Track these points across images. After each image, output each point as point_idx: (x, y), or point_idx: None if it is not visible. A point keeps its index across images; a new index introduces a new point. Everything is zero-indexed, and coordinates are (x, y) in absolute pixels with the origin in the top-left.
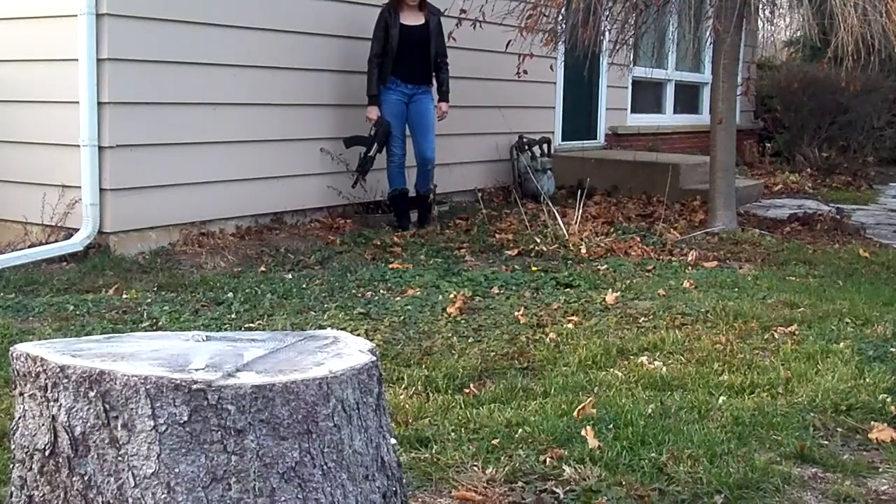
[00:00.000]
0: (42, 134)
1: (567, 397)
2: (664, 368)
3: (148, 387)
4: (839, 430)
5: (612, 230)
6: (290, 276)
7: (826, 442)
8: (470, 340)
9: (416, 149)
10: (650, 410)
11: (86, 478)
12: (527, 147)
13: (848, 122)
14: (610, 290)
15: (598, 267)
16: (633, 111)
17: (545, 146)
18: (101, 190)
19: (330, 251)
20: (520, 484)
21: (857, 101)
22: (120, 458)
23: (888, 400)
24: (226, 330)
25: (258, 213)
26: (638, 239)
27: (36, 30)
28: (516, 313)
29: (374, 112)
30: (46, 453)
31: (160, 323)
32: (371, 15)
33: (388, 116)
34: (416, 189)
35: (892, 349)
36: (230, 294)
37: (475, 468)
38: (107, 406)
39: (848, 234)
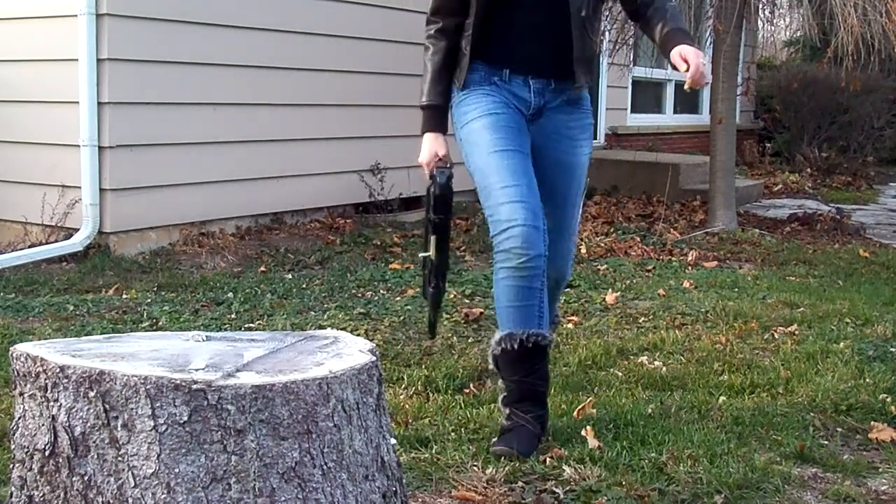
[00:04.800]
0: (42, 134)
1: (567, 397)
2: (664, 368)
3: (148, 387)
4: (839, 430)
5: (611, 230)
6: (290, 276)
7: (826, 442)
8: (470, 340)
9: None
10: (650, 410)
11: (86, 478)
12: None
13: (848, 122)
14: (610, 289)
15: (598, 267)
16: (632, 111)
17: None
18: (101, 190)
19: (330, 251)
20: (520, 484)
21: (857, 101)
22: (120, 458)
23: (888, 400)
24: (226, 330)
25: (258, 213)
26: (638, 239)
27: (36, 30)
28: None
29: (434, 147)
30: (46, 453)
31: (160, 323)
32: (374, 15)
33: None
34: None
35: (892, 349)
36: (230, 294)
37: (475, 468)
38: (107, 406)
39: (848, 234)
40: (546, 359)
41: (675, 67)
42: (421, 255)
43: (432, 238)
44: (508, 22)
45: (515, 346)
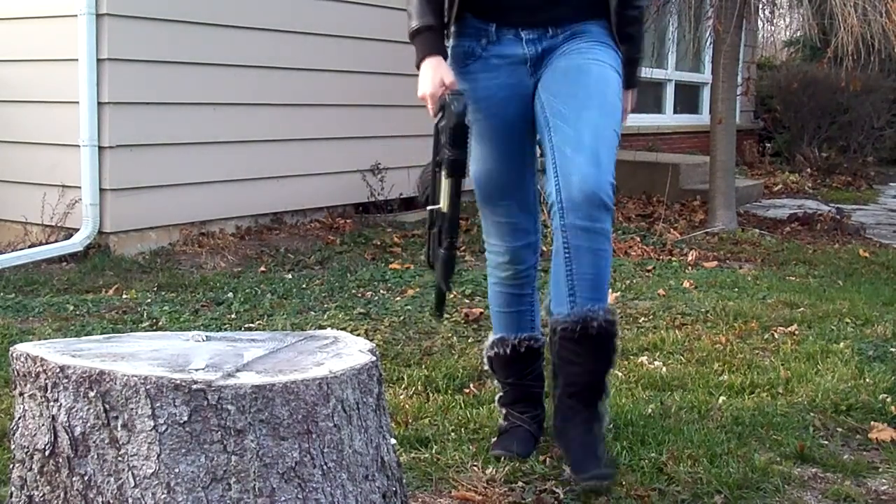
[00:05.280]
0: (42, 134)
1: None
2: (664, 368)
3: (148, 387)
4: (839, 430)
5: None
6: (290, 276)
7: (826, 442)
8: (470, 340)
9: (564, 165)
10: (650, 410)
11: (86, 478)
12: None
13: (848, 122)
14: (610, 289)
15: None
16: (632, 111)
17: None
18: (101, 190)
19: (330, 251)
20: (520, 484)
21: (857, 101)
22: (120, 458)
23: (888, 400)
24: (226, 330)
25: (258, 213)
26: (638, 239)
27: (36, 30)
28: None
29: (439, 73)
30: (46, 453)
31: (160, 323)
32: (374, 15)
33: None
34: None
35: (893, 349)
36: (230, 294)
37: (475, 468)
38: (107, 406)
39: (848, 234)
40: (540, 360)
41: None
42: (429, 208)
43: (446, 183)
44: None
45: (508, 351)
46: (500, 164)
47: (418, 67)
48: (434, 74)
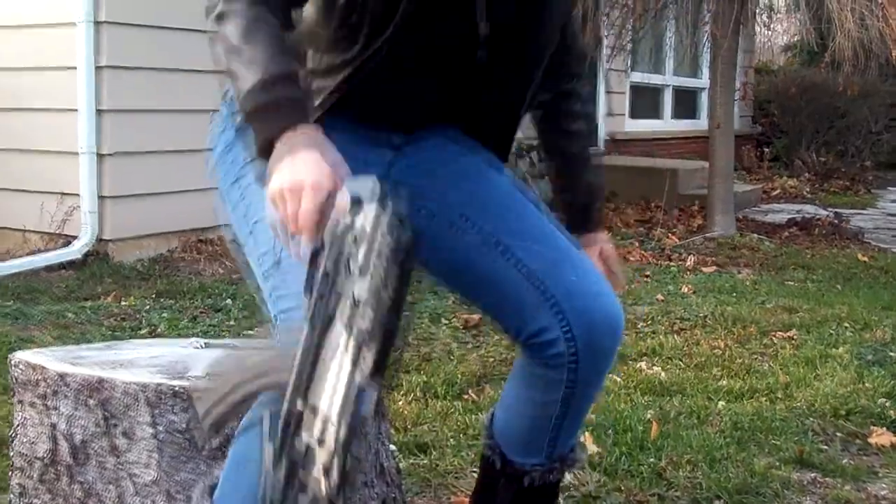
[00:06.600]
0: (41, 141)
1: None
2: (663, 374)
3: (147, 394)
4: (838, 434)
5: (610, 236)
6: None
7: (825, 447)
8: (469, 346)
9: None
10: (649, 416)
11: (86, 486)
12: (525, 153)
13: (846, 127)
14: None
15: None
16: (631, 116)
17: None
18: (100, 197)
19: None
20: None
21: (854, 105)
22: (120, 466)
23: (887, 404)
24: (224, 337)
25: None
26: (636, 244)
27: (35, 38)
28: None
29: (329, 156)
30: (46, 461)
31: (159, 330)
32: None
33: None
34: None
35: (892, 353)
36: (228, 301)
37: (474, 474)
38: (106, 414)
39: (846, 239)
40: None
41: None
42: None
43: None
44: (412, 88)
45: None
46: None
47: (269, 147)
48: (320, 158)
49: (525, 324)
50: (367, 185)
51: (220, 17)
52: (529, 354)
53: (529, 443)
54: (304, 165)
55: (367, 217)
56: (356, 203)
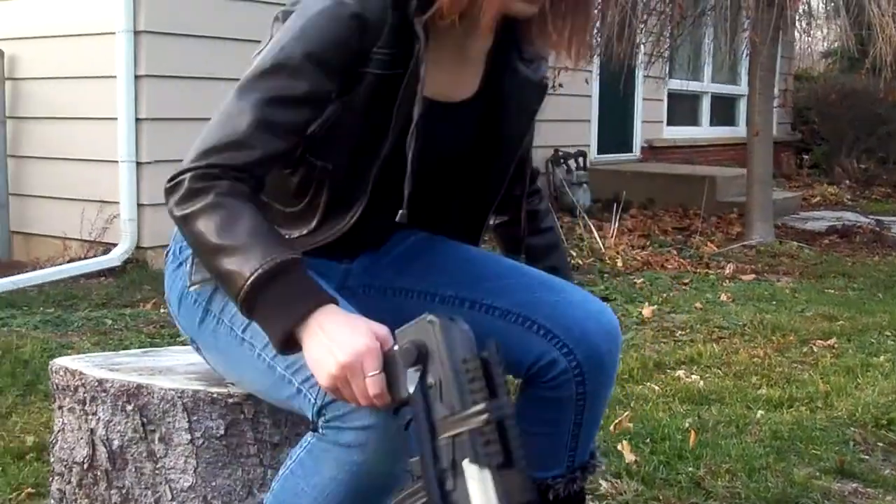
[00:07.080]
0: (81, 150)
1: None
2: (701, 382)
3: (185, 400)
4: (880, 444)
5: (648, 243)
6: None
7: (866, 457)
8: None
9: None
10: (687, 424)
11: (123, 491)
12: (562, 160)
13: (887, 134)
14: (646, 303)
15: (635, 280)
16: (668, 124)
17: (581, 159)
18: (139, 205)
19: None
20: None
21: (895, 112)
22: (157, 472)
23: None
24: None
25: None
26: (674, 252)
27: (74, 47)
28: None
29: (368, 328)
30: (85, 466)
31: None
32: None
33: None
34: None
35: None
36: None
37: None
38: (144, 419)
39: (888, 247)
40: None
41: None
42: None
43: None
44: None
45: None
46: None
47: (292, 331)
48: (360, 331)
49: (522, 360)
50: (423, 327)
51: (190, 196)
52: (536, 383)
53: (549, 457)
54: (358, 341)
55: (441, 362)
56: (421, 351)
